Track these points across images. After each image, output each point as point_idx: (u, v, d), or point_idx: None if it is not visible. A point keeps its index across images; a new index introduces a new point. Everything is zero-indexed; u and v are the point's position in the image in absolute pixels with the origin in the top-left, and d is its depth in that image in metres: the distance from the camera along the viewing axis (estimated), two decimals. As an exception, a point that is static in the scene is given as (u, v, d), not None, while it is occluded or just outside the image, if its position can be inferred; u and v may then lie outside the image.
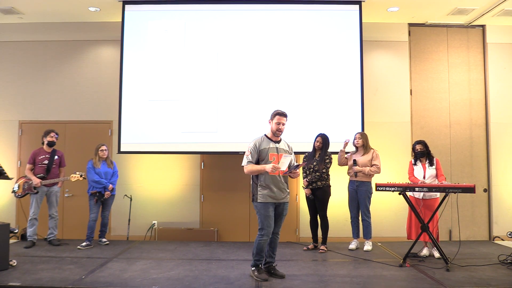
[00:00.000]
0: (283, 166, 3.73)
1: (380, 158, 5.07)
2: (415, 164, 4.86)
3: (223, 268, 4.23)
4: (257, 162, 3.85)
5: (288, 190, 3.93)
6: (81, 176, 5.14)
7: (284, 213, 3.93)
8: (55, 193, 5.25)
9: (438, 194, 4.65)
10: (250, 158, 3.84)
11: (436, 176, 4.73)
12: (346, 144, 5.12)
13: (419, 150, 4.79)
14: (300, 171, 5.04)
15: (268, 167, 3.70)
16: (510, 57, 6.28)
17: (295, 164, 3.93)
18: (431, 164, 4.75)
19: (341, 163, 5.20)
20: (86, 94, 6.27)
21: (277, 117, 3.87)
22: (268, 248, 3.94)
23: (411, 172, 4.88)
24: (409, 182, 4.75)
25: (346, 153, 5.18)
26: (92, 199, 5.19)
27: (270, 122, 3.93)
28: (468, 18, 6.12)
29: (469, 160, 6.16)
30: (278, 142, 3.94)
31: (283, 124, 3.88)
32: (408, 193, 4.73)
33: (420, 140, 4.87)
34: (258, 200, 3.81)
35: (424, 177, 4.71)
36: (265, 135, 3.96)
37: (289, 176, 3.87)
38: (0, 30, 6.32)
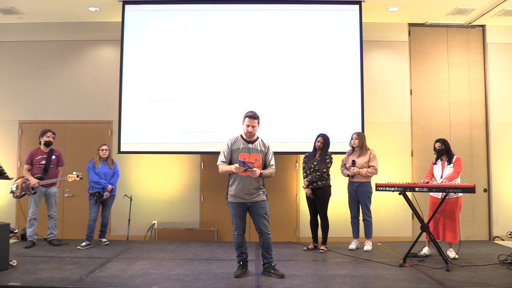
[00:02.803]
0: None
1: (377, 159, 5.07)
2: (435, 163, 4.82)
3: (223, 268, 4.23)
4: (231, 162, 3.91)
5: (259, 191, 3.89)
6: (78, 176, 5.14)
7: (261, 212, 3.89)
8: (54, 194, 5.24)
9: (460, 194, 4.58)
10: (223, 158, 3.92)
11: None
12: (353, 170, 5.00)
13: (437, 148, 4.75)
14: (300, 171, 5.07)
15: (232, 167, 3.79)
16: (510, 57, 6.27)
17: (268, 163, 3.94)
18: (449, 162, 4.68)
19: (344, 175, 5.21)
20: (86, 94, 6.27)
21: (247, 119, 3.89)
22: (262, 249, 3.97)
23: (429, 171, 4.86)
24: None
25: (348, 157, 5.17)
26: (91, 199, 5.19)
27: (243, 123, 3.94)
28: (468, 18, 6.12)
29: (469, 160, 6.16)
30: (253, 142, 3.94)
31: (253, 127, 3.88)
32: (430, 194, 4.74)
33: (439, 138, 4.82)
34: (228, 200, 3.95)
35: (441, 176, 4.66)
36: (241, 135, 4.00)
37: (250, 175, 3.78)
38: (0, 30, 6.32)
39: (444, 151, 4.73)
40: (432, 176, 4.82)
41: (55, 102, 6.27)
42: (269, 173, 3.92)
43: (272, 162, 3.98)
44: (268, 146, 4.00)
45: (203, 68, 5.81)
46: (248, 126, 3.88)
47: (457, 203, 4.55)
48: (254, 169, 3.73)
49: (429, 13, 5.96)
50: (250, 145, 3.91)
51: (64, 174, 5.29)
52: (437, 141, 4.80)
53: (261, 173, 3.81)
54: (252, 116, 3.89)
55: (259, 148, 3.93)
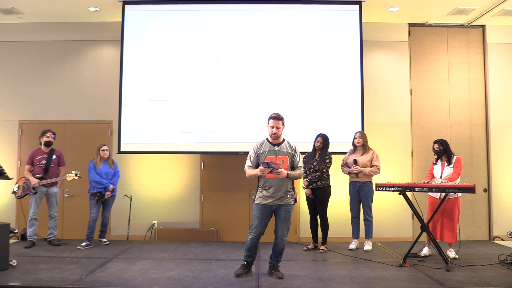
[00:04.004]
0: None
1: (379, 159, 5.07)
2: (435, 163, 4.82)
3: (223, 268, 4.23)
4: (257, 166, 3.86)
5: (288, 195, 3.86)
6: (76, 175, 5.14)
7: (284, 216, 3.86)
8: (55, 193, 5.25)
9: (458, 195, 4.57)
10: (250, 162, 3.89)
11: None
12: (356, 168, 4.99)
13: (435, 149, 4.75)
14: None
15: (257, 170, 3.74)
16: (510, 57, 6.27)
17: (297, 164, 3.91)
18: (449, 163, 4.67)
19: (345, 173, 5.21)
20: (86, 94, 6.27)
21: (271, 121, 3.86)
22: (273, 250, 3.97)
23: (429, 171, 4.86)
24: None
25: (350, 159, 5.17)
26: (92, 199, 5.19)
27: (267, 126, 3.92)
28: (468, 18, 6.11)
29: (469, 160, 6.15)
30: (279, 144, 3.90)
31: (278, 128, 3.84)
32: (429, 194, 4.73)
33: (437, 139, 4.81)
34: (255, 201, 3.90)
35: (440, 176, 4.66)
36: (266, 138, 3.96)
37: (277, 176, 3.75)
38: (0, 30, 6.32)
39: (442, 152, 4.72)
40: (432, 176, 4.82)
41: (55, 102, 6.27)
42: (298, 174, 3.86)
43: (300, 163, 3.92)
44: (295, 148, 3.95)
45: (203, 68, 5.81)
46: (272, 127, 3.84)
47: (456, 203, 4.55)
48: (280, 169, 3.69)
49: (429, 13, 5.96)
50: (276, 148, 3.86)
51: (64, 174, 5.29)
52: (435, 142, 4.80)
53: (288, 174, 3.76)
54: (276, 117, 3.85)
55: (285, 150, 3.88)
